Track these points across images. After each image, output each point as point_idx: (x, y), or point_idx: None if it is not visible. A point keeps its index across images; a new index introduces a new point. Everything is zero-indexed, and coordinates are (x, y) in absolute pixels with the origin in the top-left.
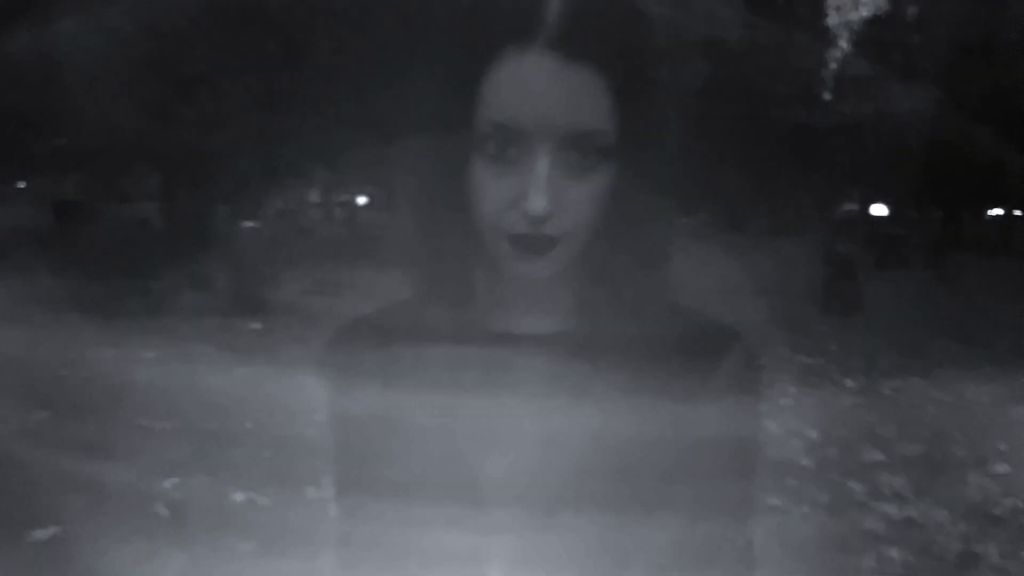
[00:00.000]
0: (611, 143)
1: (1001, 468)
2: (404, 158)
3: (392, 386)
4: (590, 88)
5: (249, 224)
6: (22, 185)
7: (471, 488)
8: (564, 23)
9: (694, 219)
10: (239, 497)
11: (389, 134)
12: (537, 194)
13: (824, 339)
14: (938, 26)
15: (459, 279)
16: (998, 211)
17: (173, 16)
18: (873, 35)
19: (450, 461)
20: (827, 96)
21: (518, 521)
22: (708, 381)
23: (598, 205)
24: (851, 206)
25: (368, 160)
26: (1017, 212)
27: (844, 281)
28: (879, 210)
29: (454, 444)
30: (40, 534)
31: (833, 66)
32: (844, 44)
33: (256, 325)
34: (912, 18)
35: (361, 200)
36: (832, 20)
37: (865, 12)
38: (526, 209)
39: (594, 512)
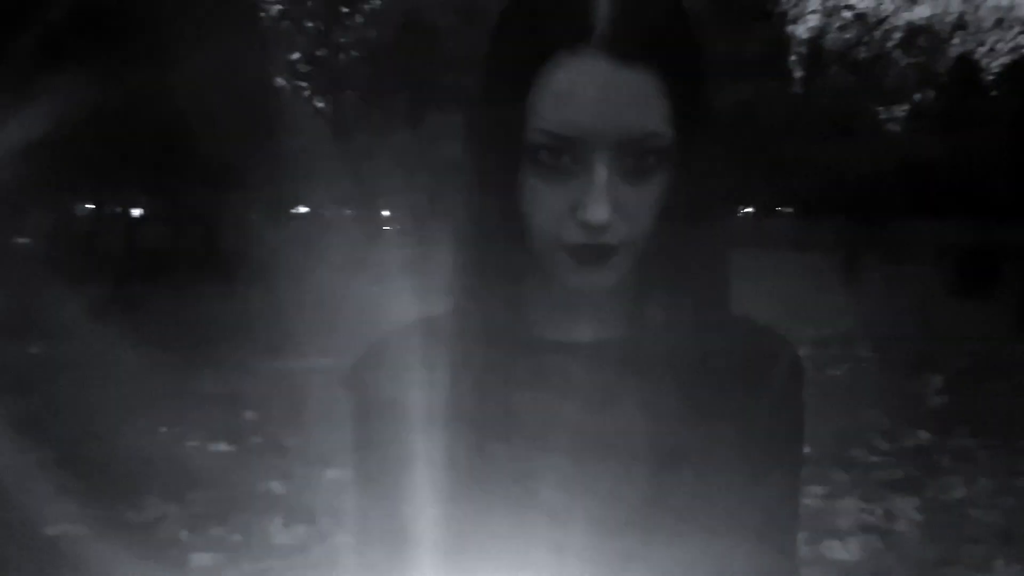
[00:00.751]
0: (667, 145)
1: None
2: (454, 170)
3: (439, 396)
4: (644, 90)
5: (20, 240)
6: None
7: (523, 496)
8: (614, 25)
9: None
10: None
11: (170, 141)
12: (597, 203)
13: None
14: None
15: (510, 289)
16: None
17: None
18: None
19: (501, 471)
20: None
21: (574, 530)
22: (758, 391)
23: (656, 211)
24: None
25: (145, 169)
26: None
27: None
28: None
29: (505, 454)
30: None
31: None
32: None
33: (34, 350)
34: None
35: (136, 212)
36: None
37: None
38: (585, 219)
39: (648, 520)
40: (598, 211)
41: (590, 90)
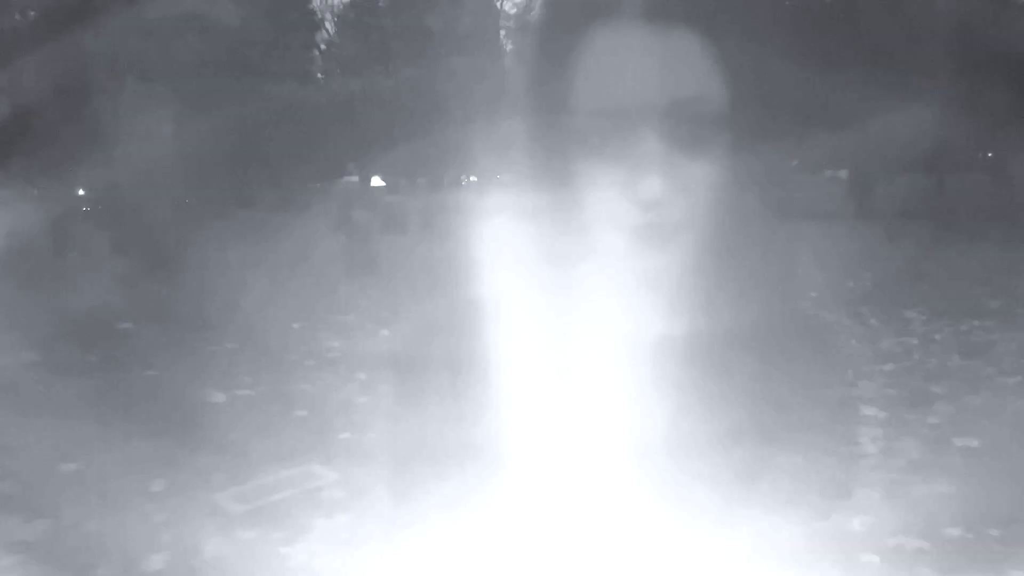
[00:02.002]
0: (719, 109)
1: None
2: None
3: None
4: (687, 54)
5: None
6: None
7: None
8: None
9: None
10: None
11: None
12: (649, 177)
13: (353, 297)
14: (409, 12)
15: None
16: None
17: None
18: (354, 18)
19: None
20: (320, 75)
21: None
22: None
23: (715, 182)
24: (352, 178)
25: None
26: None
27: (362, 244)
28: (377, 181)
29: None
30: None
31: (322, 47)
32: (330, 26)
33: None
34: (387, 4)
35: None
36: (317, 3)
37: None
38: (638, 195)
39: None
40: (650, 186)
41: (631, 61)
